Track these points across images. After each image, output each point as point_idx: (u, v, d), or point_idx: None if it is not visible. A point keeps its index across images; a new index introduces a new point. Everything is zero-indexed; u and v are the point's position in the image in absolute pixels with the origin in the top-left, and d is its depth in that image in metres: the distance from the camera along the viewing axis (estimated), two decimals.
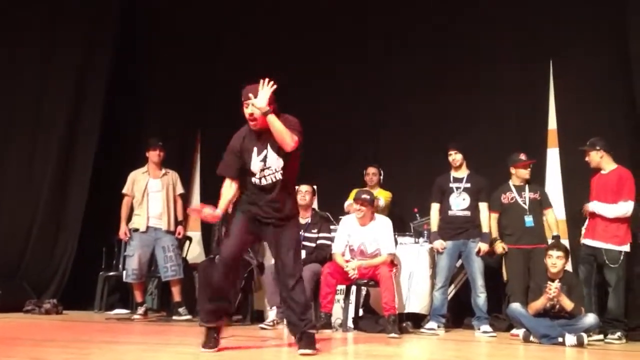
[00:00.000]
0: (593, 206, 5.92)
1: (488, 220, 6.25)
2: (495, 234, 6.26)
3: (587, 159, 6.03)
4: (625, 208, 5.79)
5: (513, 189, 6.31)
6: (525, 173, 6.28)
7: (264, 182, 4.20)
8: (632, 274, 5.98)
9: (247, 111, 4.15)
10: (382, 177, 7.25)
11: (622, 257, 5.79)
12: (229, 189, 4.26)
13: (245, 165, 4.22)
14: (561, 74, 7.17)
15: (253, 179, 4.22)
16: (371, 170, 7.20)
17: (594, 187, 6.02)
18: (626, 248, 5.82)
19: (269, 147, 4.17)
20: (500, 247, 6.21)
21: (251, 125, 4.19)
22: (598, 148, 5.94)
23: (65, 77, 7.80)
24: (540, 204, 6.27)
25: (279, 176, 4.18)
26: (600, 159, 5.94)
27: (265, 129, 4.12)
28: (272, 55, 8.23)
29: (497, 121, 7.47)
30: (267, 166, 4.18)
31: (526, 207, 6.21)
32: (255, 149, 4.19)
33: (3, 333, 5.18)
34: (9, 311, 6.64)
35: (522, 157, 6.30)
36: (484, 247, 6.13)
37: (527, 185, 6.30)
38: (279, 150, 4.15)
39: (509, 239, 6.24)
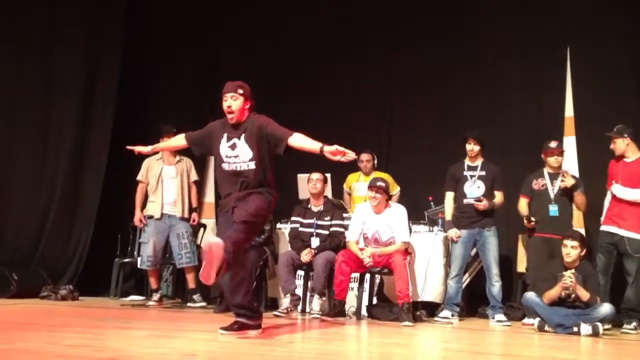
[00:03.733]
0: (615, 189, 5.86)
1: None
2: (525, 213, 6.20)
3: (612, 146, 5.97)
4: None
5: (546, 176, 6.21)
6: (552, 161, 6.18)
7: (230, 167, 4.37)
8: None
9: (225, 104, 4.42)
10: (376, 162, 7.16)
11: None
12: (177, 139, 4.80)
13: (209, 147, 4.50)
14: (578, 61, 7.08)
15: (222, 165, 4.42)
16: (365, 157, 7.06)
17: (615, 174, 5.94)
18: None
19: (242, 137, 4.36)
20: (527, 219, 6.12)
21: (229, 118, 4.42)
22: (625, 135, 5.88)
23: (78, 63, 7.81)
24: (571, 194, 6.12)
25: (252, 166, 4.33)
26: (627, 147, 5.90)
27: (242, 122, 4.39)
28: (280, 43, 8.26)
29: (513, 109, 7.40)
30: (235, 154, 4.36)
31: (552, 196, 6.15)
32: (225, 135, 4.42)
33: (19, 318, 5.23)
34: (26, 297, 6.70)
35: (552, 144, 6.20)
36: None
37: (560, 174, 6.19)
38: (252, 144, 4.33)
39: (535, 226, 6.17)
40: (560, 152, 6.18)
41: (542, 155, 6.24)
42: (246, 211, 4.21)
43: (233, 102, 4.37)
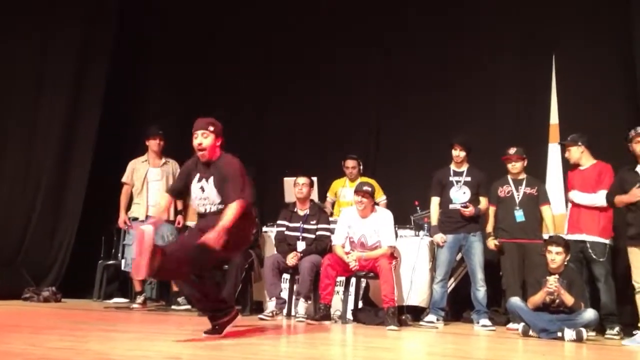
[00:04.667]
0: (572, 195, 5.97)
1: (488, 212, 6.29)
2: (490, 228, 6.26)
3: (566, 154, 6.11)
4: (603, 197, 5.82)
5: (511, 182, 6.29)
6: (510, 167, 6.27)
7: (200, 208, 4.39)
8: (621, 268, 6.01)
9: (195, 141, 4.38)
10: (361, 168, 7.16)
11: (607, 250, 5.82)
12: (164, 198, 4.70)
13: (187, 187, 4.47)
14: (563, 68, 7.14)
15: (195, 202, 4.42)
16: (350, 163, 7.06)
17: (573, 183, 6.06)
18: (609, 241, 5.87)
19: (211, 180, 4.33)
20: (492, 243, 6.20)
21: (199, 155, 4.41)
22: (580, 143, 5.99)
23: (65, 64, 7.76)
24: (537, 200, 6.23)
25: (221, 207, 4.28)
26: (581, 154, 6.00)
27: (214, 161, 4.36)
28: (271, 46, 8.28)
29: (498, 116, 7.44)
30: (204, 196, 4.35)
31: (516, 201, 6.20)
32: (197, 175, 4.39)
33: (1, 320, 5.18)
34: (8, 298, 6.64)
35: (510, 151, 6.27)
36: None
37: (525, 180, 6.27)
38: (220, 188, 4.29)
39: (503, 233, 6.26)
40: (517, 158, 6.23)
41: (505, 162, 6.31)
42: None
43: (204, 139, 4.35)
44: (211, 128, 4.36)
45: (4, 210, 7.46)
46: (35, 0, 7.72)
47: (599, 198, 5.84)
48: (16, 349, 3.47)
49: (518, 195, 6.22)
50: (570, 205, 6.12)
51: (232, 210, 4.14)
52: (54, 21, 7.80)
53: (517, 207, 6.18)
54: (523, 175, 6.31)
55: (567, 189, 6.17)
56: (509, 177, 6.32)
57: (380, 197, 6.83)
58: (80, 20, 7.87)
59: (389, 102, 7.96)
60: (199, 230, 4.23)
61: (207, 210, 4.35)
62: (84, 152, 7.75)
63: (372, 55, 7.99)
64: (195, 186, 4.39)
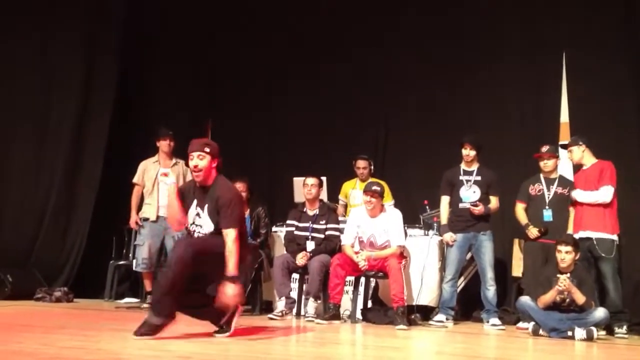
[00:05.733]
0: (575, 194, 5.98)
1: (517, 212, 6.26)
2: (525, 221, 6.19)
3: (569, 156, 6.12)
4: (606, 193, 5.85)
5: (543, 181, 6.23)
6: (542, 165, 6.22)
7: (195, 235, 4.40)
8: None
9: (191, 163, 4.34)
10: (372, 168, 7.14)
11: (615, 247, 5.80)
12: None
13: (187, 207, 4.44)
14: (573, 67, 7.09)
15: (189, 227, 4.42)
16: (362, 163, 7.02)
17: (576, 183, 6.08)
18: (616, 237, 5.85)
19: (205, 208, 4.34)
20: (534, 231, 6.07)
21: (194, 176, 4.39)
22: (580, 143, 6.02)
23: (75, 63, 7.80)
24: (568, 200, 6.15)
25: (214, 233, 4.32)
26: (583, 154, 6.03)
27: (209, 186, 4.34)
28: (279, 45, 8.29)
29: (509, 114, 7.41)
30: (199, 223, 4.35)
31: (546, 200, 6.17)
32: (195, 201, 4.38)
33: (14, 320, 5.23)
34: (20, 299, 6.69)
35: (542, 149, 6.23)
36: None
37: (557, 179, 6.22)
38: (214, 217, 4.30)
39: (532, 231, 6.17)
40: (549, 156, 6.18)
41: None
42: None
43: (200, 161, 4.32)
44: (207, 149, 4.33)
45: (16, 211, 7.53)
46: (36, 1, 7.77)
47: (602, 194, 5.86)
48: (28, 348, 3.51)
49: (549, 194, 6.16)
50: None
51: (233, 247, 4.15)
52: (55, 21, 7.82)
53: (547, 207, 6.13)
54: (556, 175, 6.24)
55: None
56: (541, 175, 6.25)
57: (388, 202, 6.76)
58: (81, 20, 7.89)
59: (398, 102, 7.94)
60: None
61: (199, 235, 4.38)
62: (95, 153, 7.78)
63: (379, 54, 7.97)
64: (192, 212, 4.39)
